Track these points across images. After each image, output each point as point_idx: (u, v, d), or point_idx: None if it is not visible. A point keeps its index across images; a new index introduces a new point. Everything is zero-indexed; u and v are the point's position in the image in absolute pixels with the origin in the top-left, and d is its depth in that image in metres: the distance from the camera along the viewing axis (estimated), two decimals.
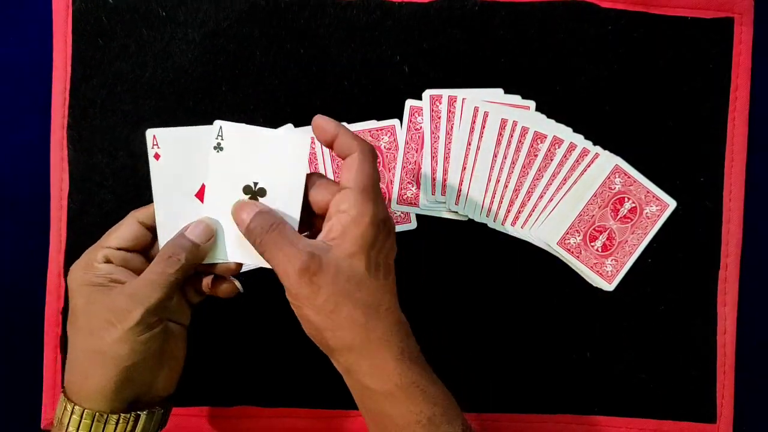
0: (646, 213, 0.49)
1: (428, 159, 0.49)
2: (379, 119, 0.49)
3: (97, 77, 0.49)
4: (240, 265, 0.41)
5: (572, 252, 0.49)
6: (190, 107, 0.49)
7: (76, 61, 0.49)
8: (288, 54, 0.49)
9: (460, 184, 0.49)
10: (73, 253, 0.49)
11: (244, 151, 0.39)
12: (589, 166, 0.49)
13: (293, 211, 0.39)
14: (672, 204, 0.49)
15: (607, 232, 0.49)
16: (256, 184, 0.39)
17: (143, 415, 0.39)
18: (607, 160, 0.49)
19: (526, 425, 0.50)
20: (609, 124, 0.50)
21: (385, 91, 0.49)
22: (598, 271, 0.50)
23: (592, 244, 0.49)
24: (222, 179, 0.39)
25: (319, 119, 0.38)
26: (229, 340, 0.50)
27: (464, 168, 0.49)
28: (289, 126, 0.49)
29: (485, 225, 0.50)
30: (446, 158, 0.49)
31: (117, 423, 0.38)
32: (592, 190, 0.49)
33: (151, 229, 0.41)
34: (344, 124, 0.49)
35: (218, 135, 0.39)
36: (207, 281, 0.42)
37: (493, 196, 0.49)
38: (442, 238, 0.50)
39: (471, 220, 0.50)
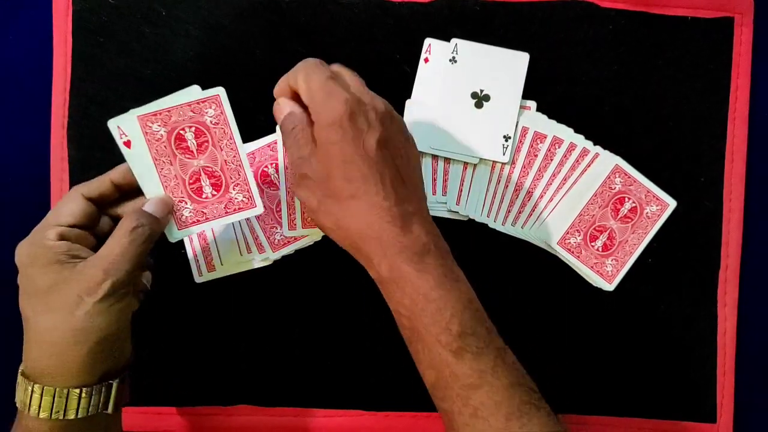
0: (646, 213, 0.49)
1: (428, 159, 0.49)
2: None
3: (97, 75, 0.49)
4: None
5: (572, 252, 0.49)
6: None
7: (76, 59, 0.49)
8: (288, 52, 0.49)
9: (461, 184, 0.49)
10: None
11: (474, 64, 0.48)
12: (589, 166, 0.49)
13: (511, 116, 0.48)
14: (672, 204, 0.49)
15: (607, 231, 0.49)
16: (482, 90, 0.47)
17: (115, 383, 0.39)
18: (607, 160, 0.49)
19: None
20: (609, 124, 0.50)
21: (385, 91, 0.49)
22: (598, 271, 0.50)
23: (593, 243, 0.49)
24: (454, 86, 0.47)
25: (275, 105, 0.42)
26: (230, 340, 0.50)
27: (465, 168, 0.49)
28: None
29: (485, 225, 0.50)
30: (447, 158, 0.49)
31: (90, 395, 0.38)
32: (592, 190, 0.49)
33: (97, 205, 0.40)
34: None
35: (453, 50, 0.47)
36: None
37: (493, 196, 0.49)
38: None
39: (471, 220, 0.50)
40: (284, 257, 0.49)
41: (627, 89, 0.50)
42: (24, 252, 0.38)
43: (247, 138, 0.49)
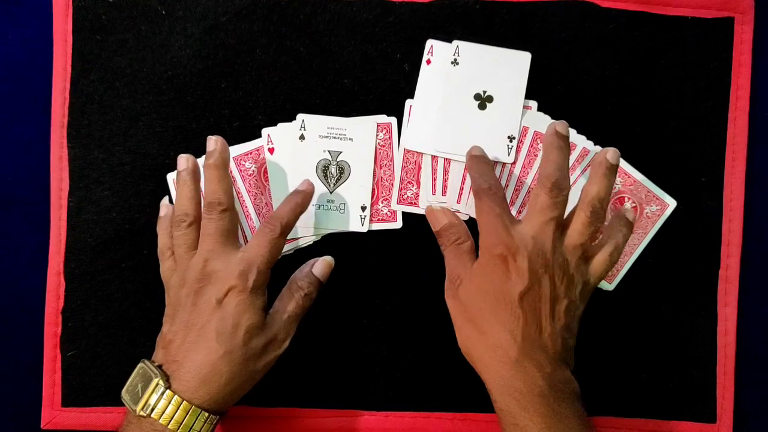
0: (647, 213, 0.49)
1: (428, 159, 0.49)
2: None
3: (95, 73, 0.49)
4: None
5: None
6: (189, 103, 0.49)
7: (76, 58, 0.49)
8: (288, 50, 0.49)
9: (461, 183, 0.49)
10: (73, 253, 0.49)
11: (476, 65, 0.48)
12: (589, 166, 0.49)
13: (515, 116, 0.48)
14: (672, 204, 0.49)
15: None
16: (485, 92, 0.47)
17: (225, 413, 0.43)
18: None
19: None
20: (610, 124, 0.50)
21: (386, 89, 0.49)
22: None
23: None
24: (456, 88, 0.47)
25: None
26: None
27: (465, 168, 0.49)
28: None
29: None
30: (446, 158, 0.49)
31: (213, 423, 0.41)
32: None
33: None
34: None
35: (455, 52, 0.47)
36: None
37: None
38: None
39: (471, 220, 0.50)
40: (283, 256, 0.49)
41: (627, 89, 0.50)
42: (251, 287, 0.42)
43: (246, 137, 0.49)
